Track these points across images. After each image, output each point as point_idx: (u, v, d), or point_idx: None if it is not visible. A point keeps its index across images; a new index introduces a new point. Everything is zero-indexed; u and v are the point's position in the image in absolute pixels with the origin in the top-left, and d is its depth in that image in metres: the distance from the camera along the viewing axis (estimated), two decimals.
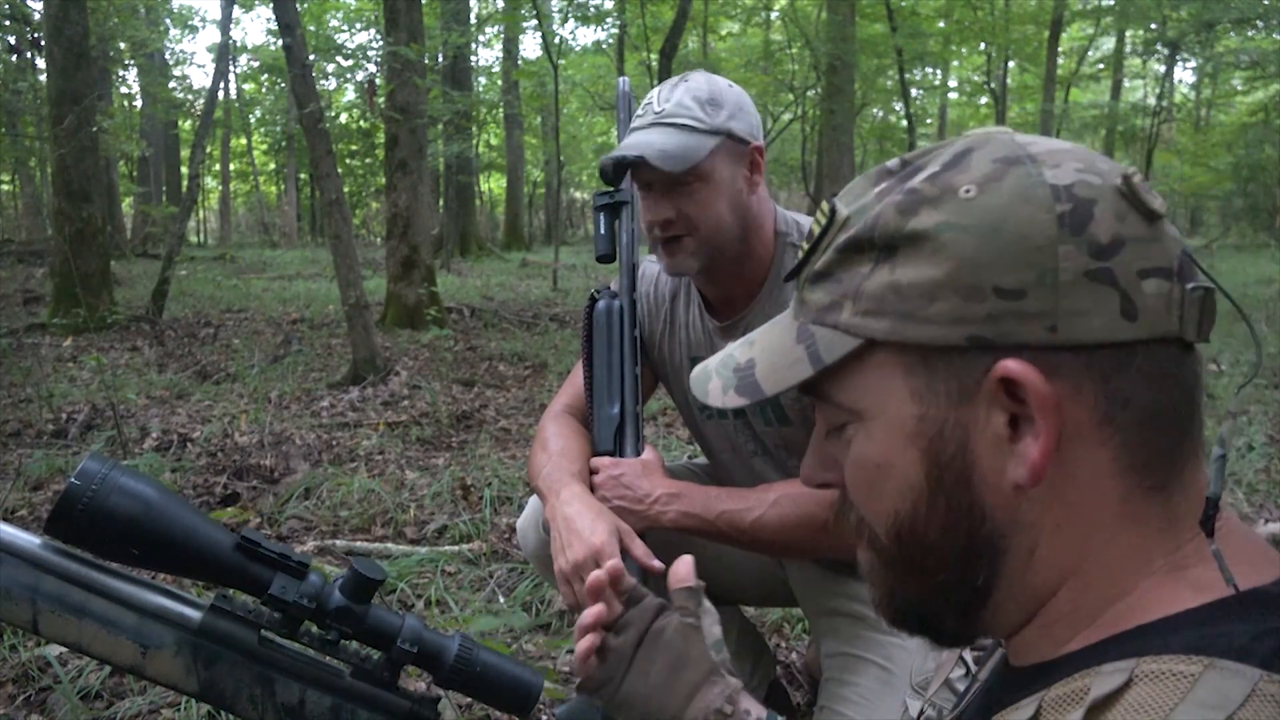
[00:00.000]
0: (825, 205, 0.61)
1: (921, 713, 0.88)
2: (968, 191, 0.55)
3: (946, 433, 0.56)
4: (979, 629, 0.61)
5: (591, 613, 0.87)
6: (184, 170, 18.98)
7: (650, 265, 1.66)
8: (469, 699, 1.25)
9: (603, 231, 1.53)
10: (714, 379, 0.66)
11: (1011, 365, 0.52)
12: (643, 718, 0.84)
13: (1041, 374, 0.52)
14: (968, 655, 1.01)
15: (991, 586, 0.58)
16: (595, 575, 0.87)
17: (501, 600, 2.54)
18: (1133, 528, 0.55)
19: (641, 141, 1.37)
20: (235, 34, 33.83)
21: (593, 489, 1.43)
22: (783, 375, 0.61)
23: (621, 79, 1.65)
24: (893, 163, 0.61)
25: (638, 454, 1.47)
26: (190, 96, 21.89)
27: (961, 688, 1.26)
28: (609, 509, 1.39)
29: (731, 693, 0.82)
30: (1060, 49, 18.94)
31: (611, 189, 1.53)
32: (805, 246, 0.62)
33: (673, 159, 1.35)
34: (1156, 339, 0.53)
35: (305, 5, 17.87)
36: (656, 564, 1.32)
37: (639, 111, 1.44)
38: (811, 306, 0.60)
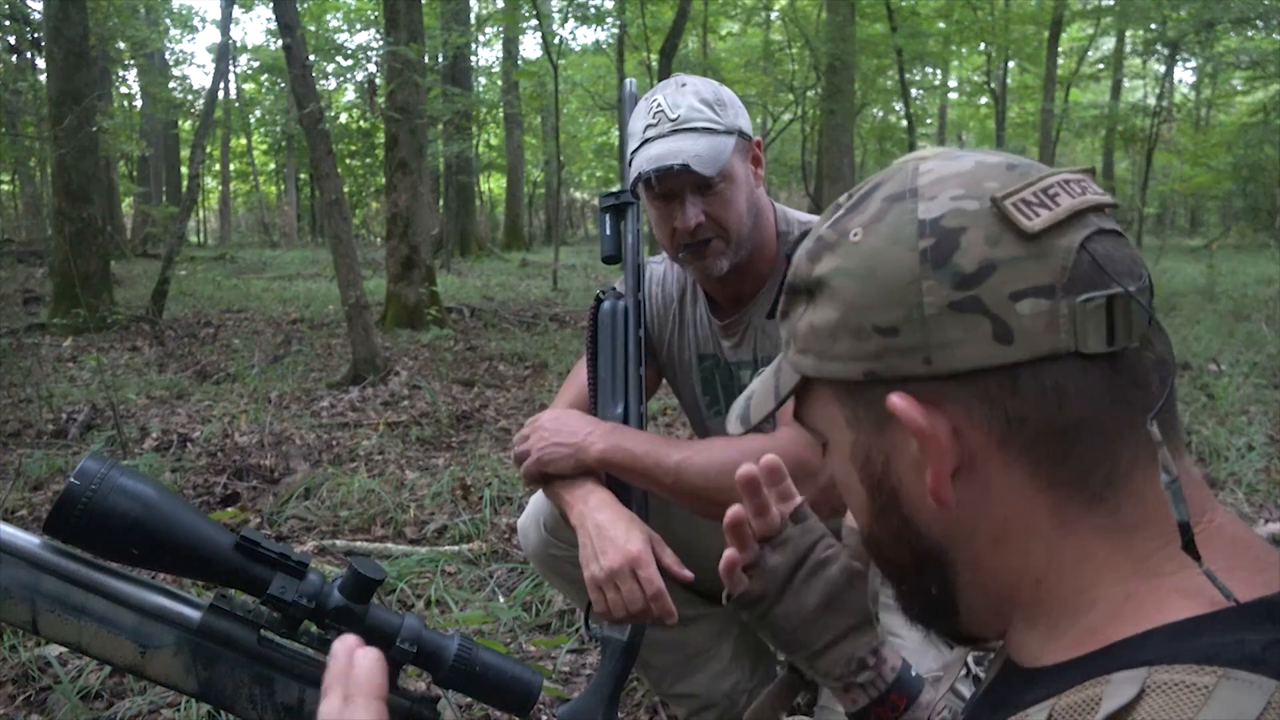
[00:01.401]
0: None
1: (929, 715, 0.87)
2: (855, 235, 0.58)
3: (873, 456, 0.60)
4: (966, 630, 0.63)
5: (755, 523, 0.87)
6: (184, 170, 18.98)
7: (656, 265, 1.67)
8: (469, 699, 1.25)
9: (608, 232, 1.54)
10: (735, 408, 0.73)
11: (893, 399, 0.56)
12: (785, 643, 0.87)
13: (921, 406, 0.55)
14: (970, 658, 1.01)
15: (949, 594, 0.61)
16: (746, 469, 0.86)
17: (501, 600, 2.54)
18: (1075, 536, 0.55)
19: (675, 149, 1.38)
20: (235, 34, 33.85)
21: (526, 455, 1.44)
22: (760, 407, 0.68)
23: (628, 80, 1.65)
24: (842, 198, 0.63)
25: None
26: (190, 96, 21.90)
27: (965, 690, 1.26)
28: (546, 445, 1.40)
29: (876, 645, 0.86)
30: (1060, 49, 18.93)
31: (616, 190, 1.55)
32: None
33: (708, 162, 1.38)
34: (1042, 357, 0.53)
35: (305, 5, 17.88)
36: (686, 573, 1.34)
37: (649, 120, 1.44)
38: (780, 341, 0.66)
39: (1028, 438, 0.54)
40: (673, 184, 1.39)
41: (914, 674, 0.87)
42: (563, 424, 1.44)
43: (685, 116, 1.40)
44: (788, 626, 0.86)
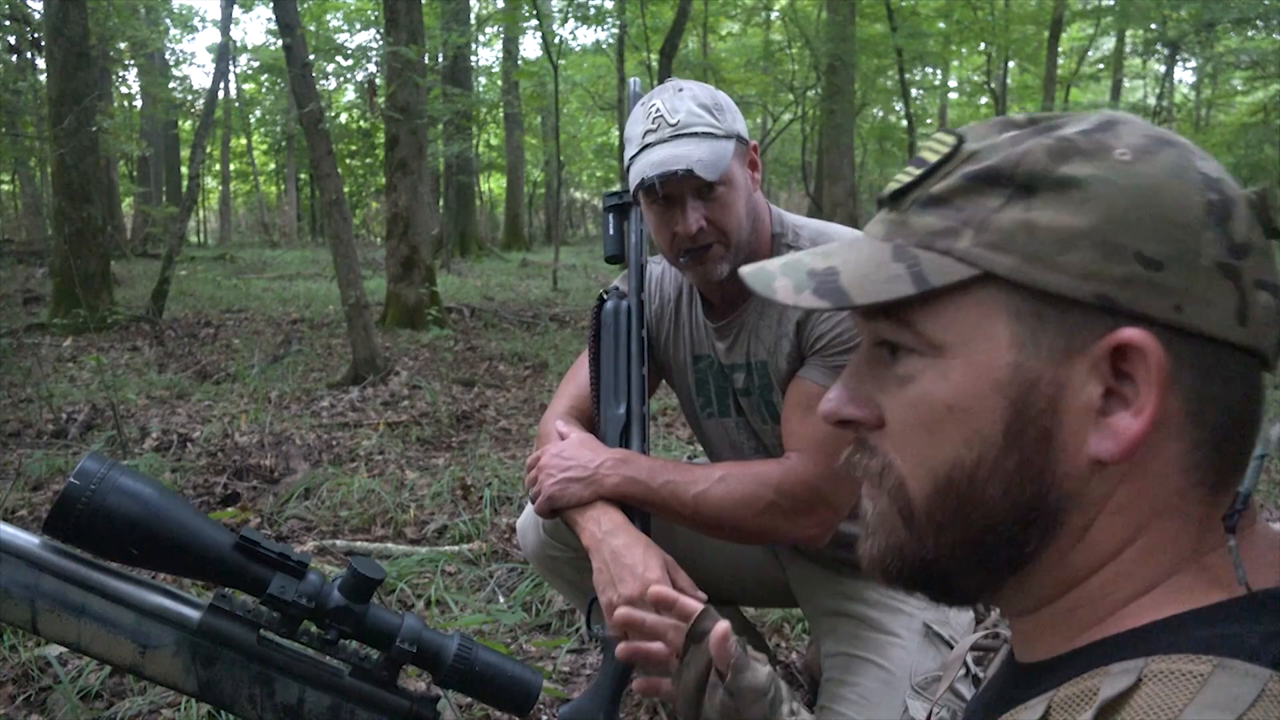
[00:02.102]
0: (945, 135, 0.59)
1: (930, 715, 0.88)
2: (1123, 154, 0.54)
3: (1040, 388, 0.53)
4: (995, 596, 0.60)
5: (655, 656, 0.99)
6: (184, 170, 18.99)
7: (654, 266, 1.67)
8: (468, 698, 1.25)
9: (611, 232, 1.54)
10: (780, 279, 0.61)
11: (1137, 333, 0.51)
12: None
13: (1166, 351, 0.51)
14: (969, 658, 1.01)
15: (1035, 557, 0.56)
16: (655, 591, 0.97)
17: (501, 600, 2.54)
18: (1178, 523, 0.55)
19: (677, 154, 1.37)
20: (235, 34, 33.84)
21: (537, 476, 1.44)
22: (878, 288, 0.56)
23: (632, 80, 1.65)
24: (1018, 116, 0.59)
25: (644, 453, 1.47)
26: (190, 96, 21.87)
27: (965, 690, 1.26)
28: (557, 482, 1.40)
29: None
30: (1060, 49, 18.93)
31: (620, 190, 1.54)
32: (914, 172, 0.59)
33: (710, 167, 1.38)
34: (1252, 349, 0.53)
35: (305, 5, 17.88)
36: (701, 595, 1.34)
37: (648, 125, 1.43)
38: (916, 229, 0.57)
39: (1211, 418, 0.53)
40: (674, 189, 1.39)
41: None
42: (568, 458, 1.43)
43: (685, 121, 1.40)
44: None
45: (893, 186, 0.60)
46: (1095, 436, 0.53)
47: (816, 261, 0.60)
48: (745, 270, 0.63)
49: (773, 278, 0.61)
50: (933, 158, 0.58)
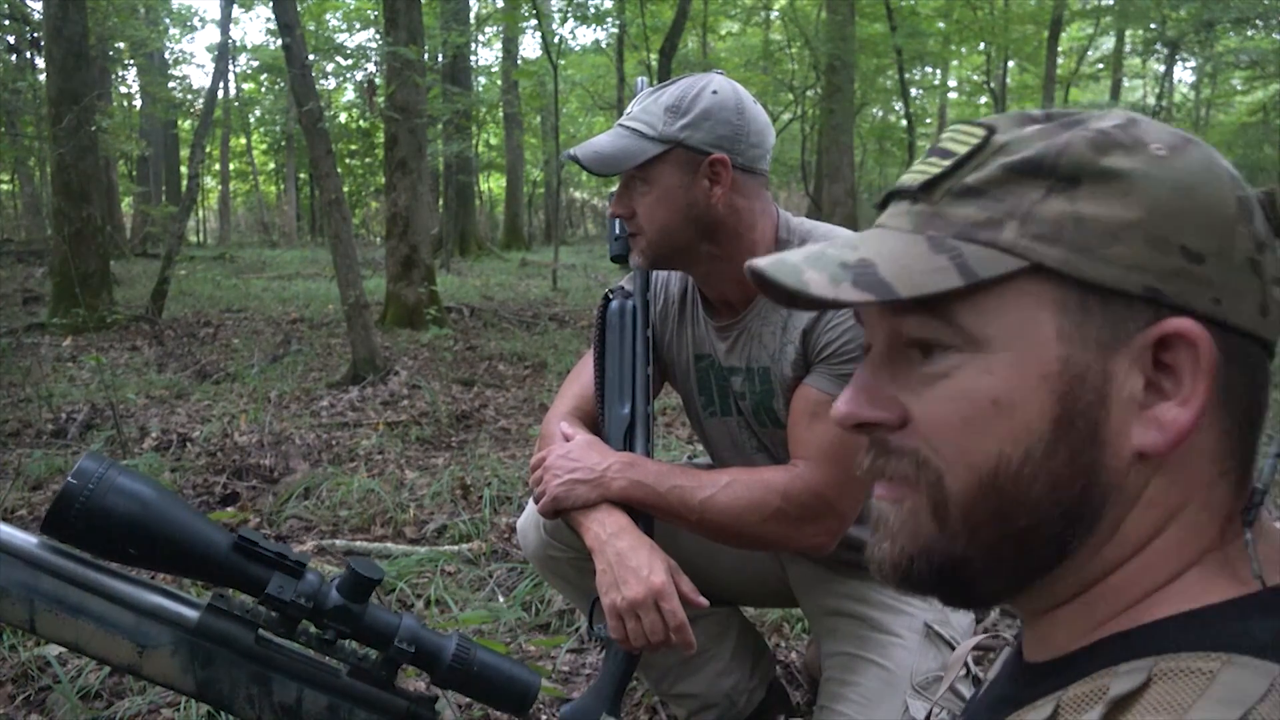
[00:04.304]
0: (971, 126, 0.58)
1: (930, 715, 0.87)
2: (1159, 149, 0.54)
3: (1089, 380, 0.53)
4: (1020, 597, 0.59)
5: None
6: (184, 170, 18.96)
7: None
8: (467, 698, 1.25)
9: (617, 233, 1.54)
10: (810, 272, 0.57)
11: (1187, 324, 0.51)
12: None
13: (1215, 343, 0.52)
14: (970, 659, 1.01)
15: (1068, 550, 0.55)
16: None
17: (501, 600, 2.54)
18: (1204, 514, 0.55)
19: (591, 142, 1.41)
20: (235, 33, 33.84)
21: (541, 477, 1.44)
22: (923, 280, 0.54)
23: (640, 79, 1.65)
24: (1035, 112, 0.59)
25: (648, 454, 1.47)
26: (190, 96, 21.88)
27: (965, 690, 1.26)
28: (563, 483, 1.39)
29: None
30: (1060, 49, 18.93)
31: None
32: (942, 163, 0.58)
33: (605, 162, 1.39)
34: (1267, 341, 0.55)
35: (305, 5, 17.87)
36: (703, 600, 1.35)
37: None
38: (953, 221, 0.56)
39: (1235, 407, 0.54)
40: (603, 172, 1.43)
41: None
42: (575, 459, 1.42)
43: (634, 116, 1.42)
44: None
45: (917, 178, 0.59)
46: (1139, 429, 0.53)
47: (845, 253, 0.57)
48: (763, 263, 0.58)
49: (800, 270, 0.57)
50: (961, 149, 0.57)
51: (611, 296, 1.56)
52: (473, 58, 20.34)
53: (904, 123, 17.77)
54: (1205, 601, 0.53)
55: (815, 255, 0.58)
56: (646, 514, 1.41)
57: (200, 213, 26.40)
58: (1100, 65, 23.10)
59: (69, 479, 0.80)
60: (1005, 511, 0.55)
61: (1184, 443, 0.52)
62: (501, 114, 21.02)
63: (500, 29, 20.15)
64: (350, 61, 19.34)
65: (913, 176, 0.59)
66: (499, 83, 22.17)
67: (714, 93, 1.41)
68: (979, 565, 0.57)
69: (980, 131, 0.58)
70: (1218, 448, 0.54)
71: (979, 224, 0.55)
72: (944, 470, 0.56)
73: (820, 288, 0.55)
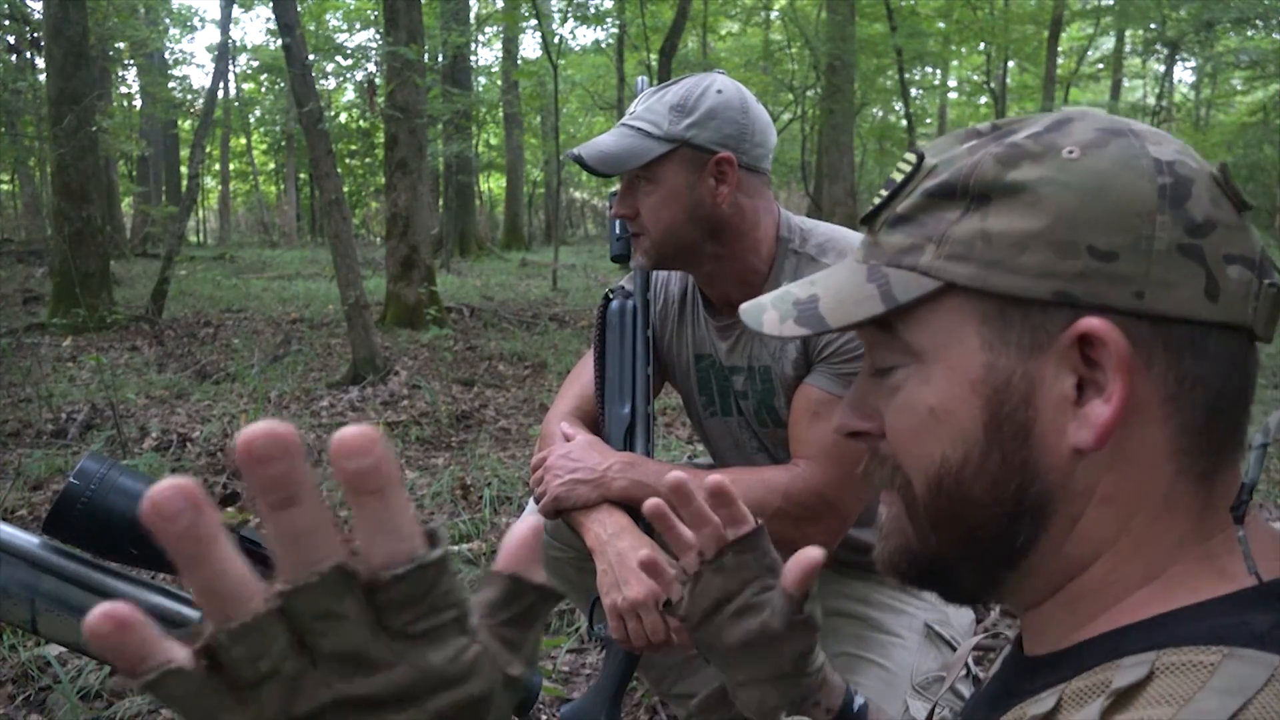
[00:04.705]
0: (909, 154, 0.62)
1: (931, 714, 0.87)
2: (1070, 152, 0.55)
3: (1013, 384, 0.55)
4: (999, 591, 0.61)
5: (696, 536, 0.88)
6: (184, 170, 18.97)
7: None
8: None
9: (618, 233, 1.54)
10: (769, 311, 0.65)
11: (1095, 322, 0.53)
12: (708, 659, 0.88)
13: (1127, 339, 0.53)
14: (970, 658, 1.01)
15: (1028, 549, 0.57)
16: (674, 478, 0.86)
17: None
18: (1175, 511, 0.55)
19: (595, 142, 1.41)
20: (235, 34, 33.83)
21: (542, 477, 1.43)
22: (850, 310, 0.60)
23: (641, 79, 1.65)
24: (983, 125, 0.61)
25: (648, 454, 1.47)
26: (190, 96, 21.87)
27: (965, 690, 1.26)
28: (564, 483, 1.39)
29: (805, 694, 0.84)
30: (1060, 49, 18.93)
31: None
32: (883, 194, 0.62)
33: (610, 161, 1.38)
34: (1231, 325, 0.54)
35: (305, 5, 17.88)
36: None
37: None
38: (887, 249, 0.60)
39: (1191, 400, 0.54)
40: (609, 171, 1.42)
41: (857, 708, 0.84)
42: (576, 459, 1.42)
43: (638, 115, 1.41)
44: (705, 651, 0.86)
45: (868, 209, 0.63)
46: (1073, 426, 0.54)
47: (802, 290, 0.65)
48: (743, 308, 0.68)
49: (763, 310, 0.66)
50: (899, 177, 0.61)
51: (611, 296, 1.56)
52: (473, 58, 20.36)
53: (904, 123, 17.78)
54: (1198, 597, 0.53)
55: (781, 295, 0.66)
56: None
57: (200, 213, 26.41)
58: (1100, 65, 23.10)
59: (70, 479, 0.80)
60: (956, 511, 0.58)
61: (1110, 438, 0.53)
62: (501, 114, 21.02)
63: (500, 29, 20.15)
64: (350, 61, 19.36)
65: (869, 206, 0.64)
66: (499, 83, 22.18)
67: (719, 92, 1.41)
68: (952, 561, 0.61)
69: (913, 159, 0.61)
70: (1173, 443, 0.54)
71: (904, 250, 0.59)
72: (911, 475, 0.60)
73: (771, 326, 0.64)
